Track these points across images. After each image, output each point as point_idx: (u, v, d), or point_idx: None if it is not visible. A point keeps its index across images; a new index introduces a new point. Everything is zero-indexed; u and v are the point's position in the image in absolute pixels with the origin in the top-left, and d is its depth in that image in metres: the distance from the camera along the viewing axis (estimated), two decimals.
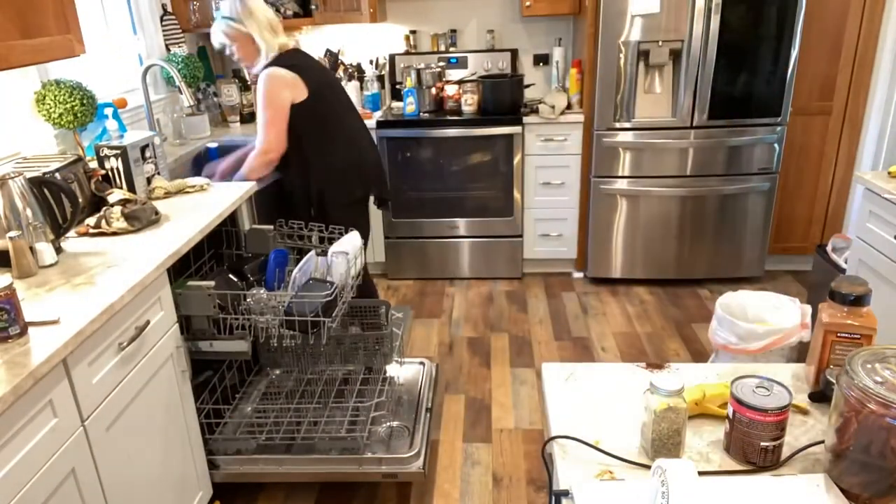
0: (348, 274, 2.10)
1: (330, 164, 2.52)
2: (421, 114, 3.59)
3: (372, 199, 2.74)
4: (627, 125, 3.31)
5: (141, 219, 1.91)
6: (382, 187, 2.74)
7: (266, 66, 2.39)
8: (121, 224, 1.88)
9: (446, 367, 2.93)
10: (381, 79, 3.86)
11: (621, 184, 3.42)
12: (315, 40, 4.01)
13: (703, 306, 3.38)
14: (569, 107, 3.51)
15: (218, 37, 2.44)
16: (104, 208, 1.94)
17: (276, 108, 2.36)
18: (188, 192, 2.27)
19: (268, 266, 2.09)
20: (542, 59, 3.95)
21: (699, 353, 2.96)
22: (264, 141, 2.39)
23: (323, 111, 2.46)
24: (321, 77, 2.50)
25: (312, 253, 2.09)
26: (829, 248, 2.86)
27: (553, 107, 3.39)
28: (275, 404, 2.21)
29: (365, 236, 2.87)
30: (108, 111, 2.49)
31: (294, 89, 2.38)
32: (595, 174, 3.43)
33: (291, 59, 2.43)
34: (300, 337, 1.91)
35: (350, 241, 2.15)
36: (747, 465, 0.98)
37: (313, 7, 3.59)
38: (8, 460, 1.17)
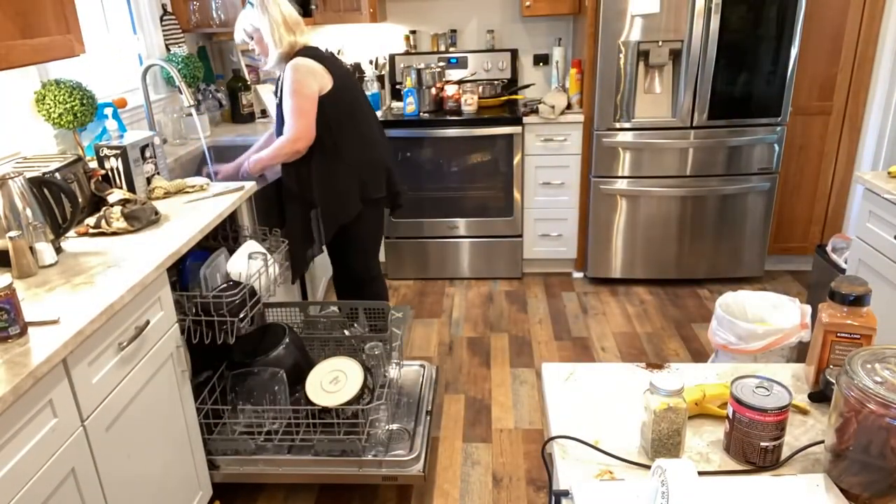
0: (263, 275, 2.11)
1: (356, 158, 2.48)
2: (421, 114, 3.59)
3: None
4: (627, 125, 3.31)
5: (141, 219, 1.91)
6: (394, 189, 2.70)
7: (292, 57, 2.40)
8: (121, 224, 1.88)
9: (446, 367, 2.93)
10: (381, 79, 3.86)
11: (621, 184, 3.42)
12: (315, 40, 4.00)
13: (702, 306, 3.38)
14: (569, 107, 3.51)
15: (239, 32, 2.47)
16: (104, 208, 1.94)
17: (305, 97, 2.35)
18: (188, 192, 2.27)
19: (184, 266, 2.09)
20: (542, 59, 3.95)
21: (699, 353, 2.96)
22: (294, 129, 2.36)
23: (348, 102, 2.46)
24: (343, 69, 2.53)
25: (222, 250, 2.10)
26: (829, 248, 2.86)
27: (553, 107, 3.39)
28: (274, 405, 2.21)
29: (378, 238, 2.80)
30: (108, 111, 2.49)
31: (321, 79, 2.39)
32: (595, 174, 3.43)
33: (315, 52, 2.46)
34: (209, 335, 1.92)
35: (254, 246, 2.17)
36: (747, 465, 0.98)
37: (313, 7, 3.59)
38: (8, 460, 1.17)
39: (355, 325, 2.50)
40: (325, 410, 2.01)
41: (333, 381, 2.04)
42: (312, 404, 2.01)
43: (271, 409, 2.09)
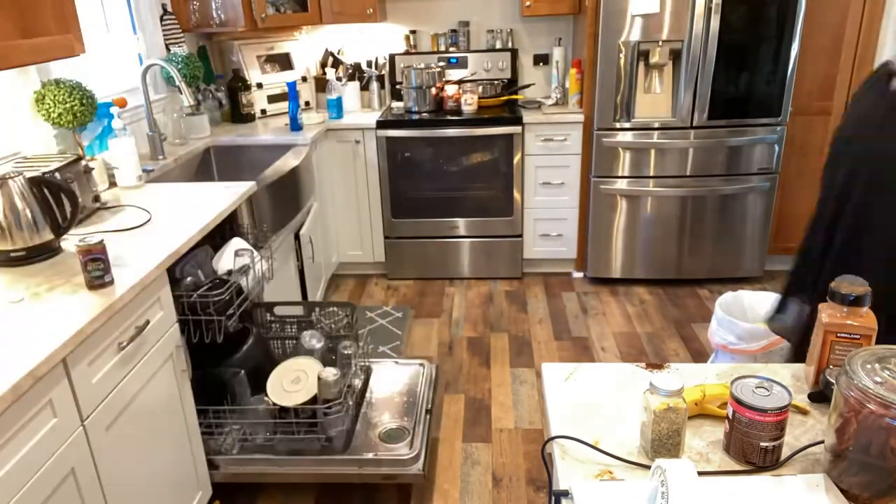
0: (248, 273, 2.11)
1: None
2: (421, 114, 3.59)
3: None
4: (627, 125, 3.31)
5: None
6: None
7: None
8: None
9: (446, 367, 2.93)
10: (381, 79, 3.86)
11: (621, 184, 3.42)
12: (315, 40, 4.01)
13: (703, 306, 3.38)
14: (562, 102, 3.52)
15: None
16: None
17: None
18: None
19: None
20: (542, 59, 3.95)
21: (699, 353, 2.96)
22: None
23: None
24: None
25: (205, 248, 2.10)
26: None
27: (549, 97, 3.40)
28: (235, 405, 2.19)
29: None
30: (115, 110, 2.48)
31: None
32: (595, 174, 3.43)
33: None
34: (196, 334, 1.92)
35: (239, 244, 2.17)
36: (747, 465, 0.98)
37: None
38: (7, 460, 1.17)
39: (322, 324, 2.46)
40: (285, 410, 2.01)
41: (294, 381, 2.05)
42: (272, 404, 2.01)
43: (232, 409, 2.08)
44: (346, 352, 2.18)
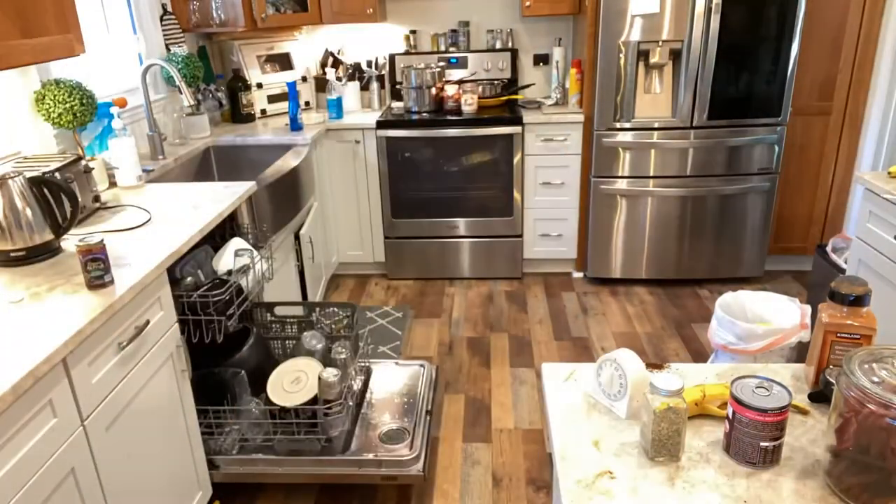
0: (248, 273, 2.11)
1: None
2: (421, 114, 3.59)
3: None
4: (627, 125, 3.31)
5: None
6: None
7: None
8: None
9: (446, 367, 2.93)
10: (381, 79, 3.86)
11: (621, 184, 3.42)
12: (315, 40, 4.01)
13: (703, 306, 3.38)
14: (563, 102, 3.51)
15: None
16: None
17: None
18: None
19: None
20: (542, 59, 3.95)
21: (699, 353, 2.96)
22: None
23: None
24: None
25: (204, 248, 2.09)
26: (829, 248, 2.86)
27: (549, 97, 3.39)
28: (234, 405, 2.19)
29: None
30: (115, 110, 2.48)
31: None
32: (595, 174, 3.43)
33: None
34: (196, 334, 1.93)
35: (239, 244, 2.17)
36: (747, 466, 0.98)
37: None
38: (7, 460, 1.17)
39: (322, 325, 2.47)
40: (285, 410, 2.01)
41: (295, 382, 2.05)
42: (272, 404, 2.02)
43: (232, 409, 2.08)
44: (339, 357, 2.16)
